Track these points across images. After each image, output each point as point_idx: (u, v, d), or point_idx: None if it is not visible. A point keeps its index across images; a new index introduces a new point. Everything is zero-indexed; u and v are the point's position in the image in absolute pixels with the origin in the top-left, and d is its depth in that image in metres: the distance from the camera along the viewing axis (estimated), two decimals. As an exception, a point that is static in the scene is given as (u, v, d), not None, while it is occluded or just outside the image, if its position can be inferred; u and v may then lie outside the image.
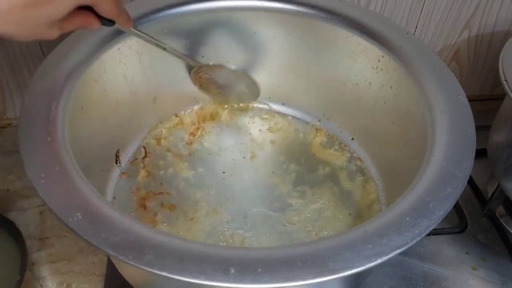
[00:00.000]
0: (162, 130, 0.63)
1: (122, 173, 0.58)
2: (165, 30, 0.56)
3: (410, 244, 0.36)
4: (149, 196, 0.56)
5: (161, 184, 0.57)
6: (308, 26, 0.58)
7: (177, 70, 0.60)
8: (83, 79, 0.49)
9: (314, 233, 0.54)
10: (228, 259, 0.34)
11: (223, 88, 0.63)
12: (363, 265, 0.34)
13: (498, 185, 0.59)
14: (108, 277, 0.53)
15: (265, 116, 0.66)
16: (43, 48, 0.61)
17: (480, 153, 0.55)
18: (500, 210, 0.62)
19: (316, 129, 0.65)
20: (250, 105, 0.67)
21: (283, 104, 0.66)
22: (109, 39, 0.52)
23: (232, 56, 0.62)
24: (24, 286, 0.50)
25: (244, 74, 0.62)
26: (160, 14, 0.55)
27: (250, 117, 0.66)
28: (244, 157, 0.61)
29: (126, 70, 0.55)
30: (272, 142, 0.63)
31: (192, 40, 0.59)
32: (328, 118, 0.64)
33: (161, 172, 0.59)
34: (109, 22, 0.44)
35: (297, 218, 0.55)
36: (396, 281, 0.54)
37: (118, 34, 0.52)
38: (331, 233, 0.54)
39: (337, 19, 0.56)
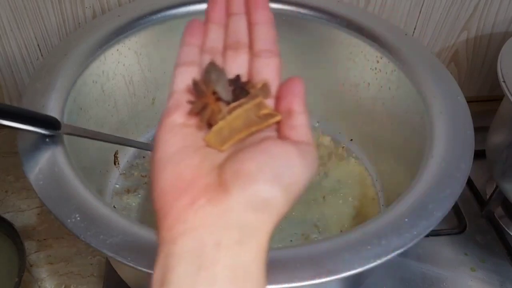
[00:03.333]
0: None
1: (121, 174, 0.58)
2: (164, 31, 0.56)
3: (409, 245, 0.36)
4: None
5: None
6: (307, 28, 0.58)
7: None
8: (82, 80, 0.49)
9: (315, 234, 0.54)
10: (227, 260, 0.34)
11: None
12: (362, 266, 0.34)
13: (496, 186, 0.59)
14: (107, 279, 0.52)
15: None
16: (41, 49, 0.61)
17: (479, 154, 0.55)
18: (498, 211, 0.62)
19: (315, 130, 0.64)
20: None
21: (282, 105, 0.66)
22: (108, 40, 0.52)
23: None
24: (22, 288, 0.50)
25: None
26: (159, 15, 0.55)
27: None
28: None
29: (125, 71, 0.55)
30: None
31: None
32: (327, 119, 0.64)
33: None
34: None
35: (297, 218, 0.55)
36: (395, 283, 0.54)
37: (117, 35, 0.52)
38: (331, 233, 0.54)
39: (336, 20, 0.56)
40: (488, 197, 0.62)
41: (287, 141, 0.28)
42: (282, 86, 0.30)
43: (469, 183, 0.65)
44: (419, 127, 0.48)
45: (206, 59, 0.32)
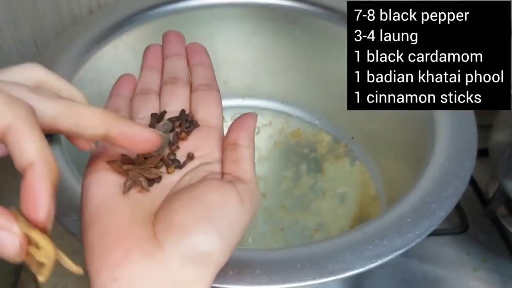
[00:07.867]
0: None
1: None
2: (162, 27, 0.55)
3: (410, 245, 0.35)
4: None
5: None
6: (308, 23, 0.57)
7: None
8: (79, 77, 0.48)
9: (317, 232, 0.53)
10: (225, 260, 0.33)
11: None
12: (363, 266, 0.34)
13: (499, 186, 0.59)
14: (104, 278, 0.52)
15: (264, 115, 0.65)
16: (38, 45, 0.61)
17: (482, 153, 0.54)
18: (501, 210, 0.61)
19: (316, 128, 0.64)
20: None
21: (282, 102, 0.66)
22: (105, 36, 0.51)
23: (230, 54, 0.61)
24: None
25: None
26: (157, 10, 0.54)
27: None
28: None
29: (122, 67, 0.55)
30: (271, 141, 0.63)
31: (188, 38, 0.58)
32: (328, 117, 0.64)
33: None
34: None
35: (297, 217, 0.54)
36: (396, 283, 0.53)
37: (114, 30, 0.52)
38: (332, 232, 0.53)
39: (337, 16, 0.56)
40: (490, 196, 0.62)
41: (226, 182, 0.26)
42: (235, 121, 0.30)
43: (472, 182, 0.64)
44: (421, 125, 0.48)
45: (137, 101, 0.33)
